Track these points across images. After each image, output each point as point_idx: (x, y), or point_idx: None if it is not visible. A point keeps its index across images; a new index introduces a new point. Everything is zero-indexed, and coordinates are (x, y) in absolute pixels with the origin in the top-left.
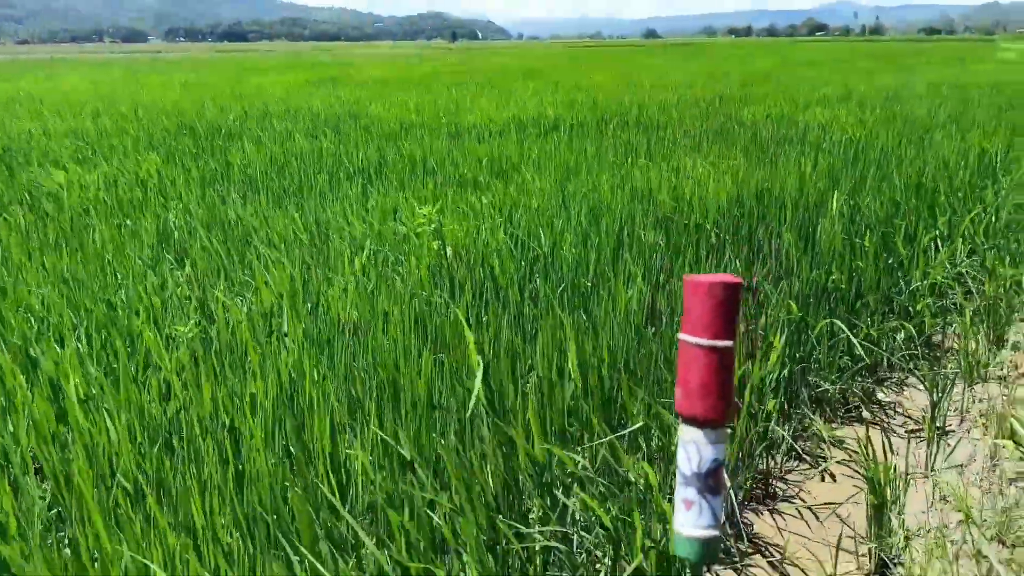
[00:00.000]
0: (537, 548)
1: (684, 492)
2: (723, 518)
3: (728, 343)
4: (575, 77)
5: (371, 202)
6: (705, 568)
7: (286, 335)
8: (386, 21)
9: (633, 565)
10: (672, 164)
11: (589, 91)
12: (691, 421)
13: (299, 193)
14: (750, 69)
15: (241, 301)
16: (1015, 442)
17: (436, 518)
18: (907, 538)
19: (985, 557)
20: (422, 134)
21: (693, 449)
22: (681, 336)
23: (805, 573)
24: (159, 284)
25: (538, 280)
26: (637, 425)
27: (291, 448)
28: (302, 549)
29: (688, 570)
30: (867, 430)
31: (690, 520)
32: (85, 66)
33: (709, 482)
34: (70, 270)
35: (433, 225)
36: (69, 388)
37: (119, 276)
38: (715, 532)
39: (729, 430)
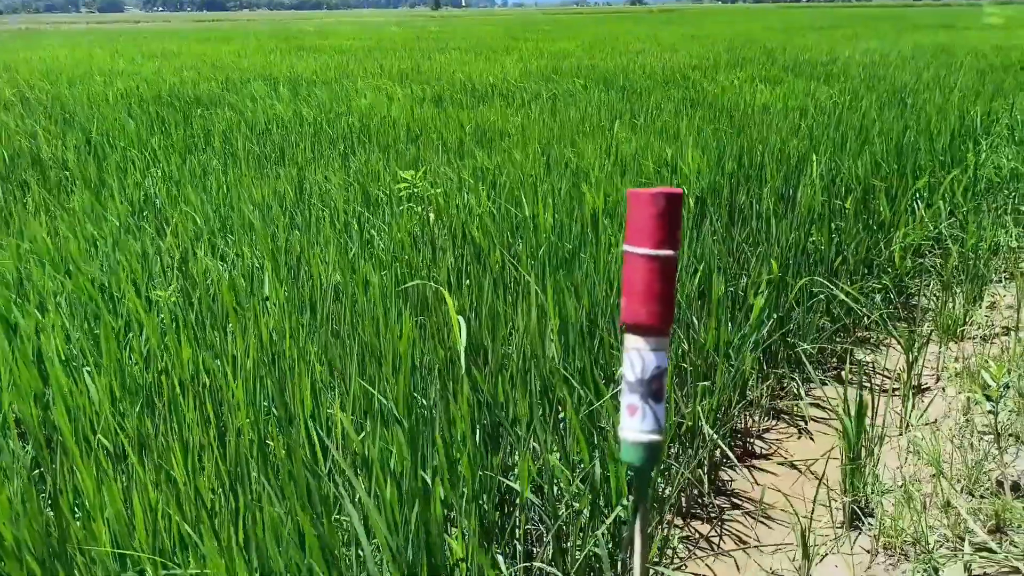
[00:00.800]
0: (519, 502)
1: (628, 399)
2: (665, 424)
3: (670, 252)
4: (558, 44)
5: (353, 168)
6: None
7: (267, 299)
8: None
9: (612, 516)
10: (656, 128)
11: (573, 57)
12: (635, 329)
13: (280, 160)
14: (736, 32)
15: (223, 265)
16: (986, 396)
17: (425, 475)
18: (881, 492)
19: (954, 508)
20: (406, 103)
21: (636, 356)
22: (625, 247)
23: (780, 525)
24: (140, 249)
25: (520, 244)
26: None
27: (273, 409)
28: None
29: (633, 476)
30: (845, 389)
31: (634, 425)
32: (60, 36)
33: (652, 387)
34: (50, 234)
35: (416, 190)
36: (48, 345)
37: (99, 243)
38: (658, 437)
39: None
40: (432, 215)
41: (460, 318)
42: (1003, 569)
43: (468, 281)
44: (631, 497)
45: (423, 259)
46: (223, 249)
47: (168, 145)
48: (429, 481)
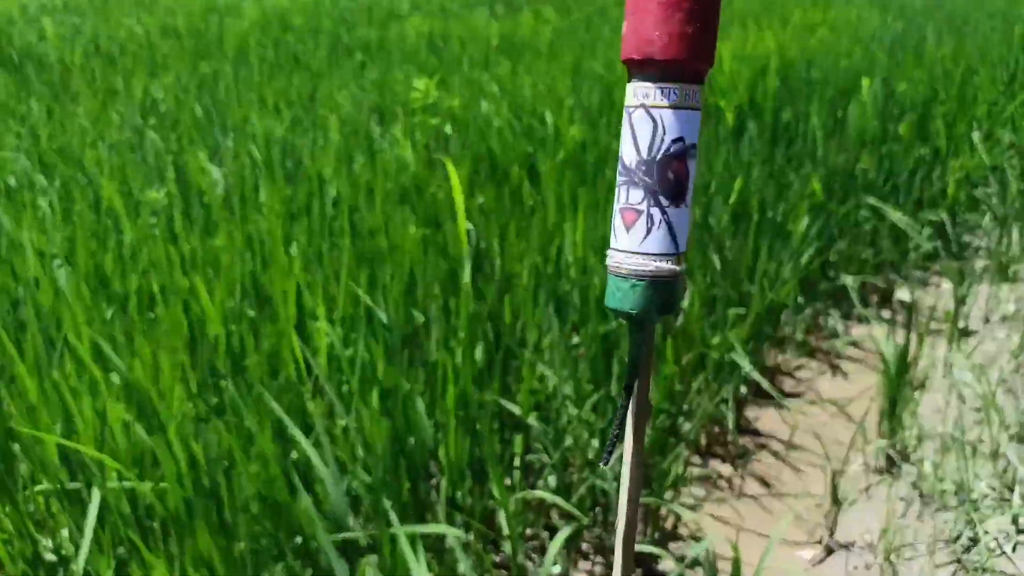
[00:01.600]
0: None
1: (625, 195)
2: (686, 245)
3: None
4: None
5: (368, 76)
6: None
7: (263, 204)
8: None
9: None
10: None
11: None
12: (645, 67)
13: (293, 66)
14: None
15: (218, 166)
16: None
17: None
18: (921, 436)
19: (1003, 455)
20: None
21: (643, 118)
22: None
23: (810, 468)
24: (136, 143)
25: (538, 157)
26: None
27: (255, 317)
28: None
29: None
30: (887, 328)
31: (632, 243)
32: None
33: (666, 175)
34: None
35: (431, 100)
36: (22, 236)
37: (98, 144)
38: (673, 266)
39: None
40: (448, 128)
41: (469, 224)
42: None
43: (482, 199)
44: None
45: (435, 174)
46: (221, 153)
47: (180, 51)
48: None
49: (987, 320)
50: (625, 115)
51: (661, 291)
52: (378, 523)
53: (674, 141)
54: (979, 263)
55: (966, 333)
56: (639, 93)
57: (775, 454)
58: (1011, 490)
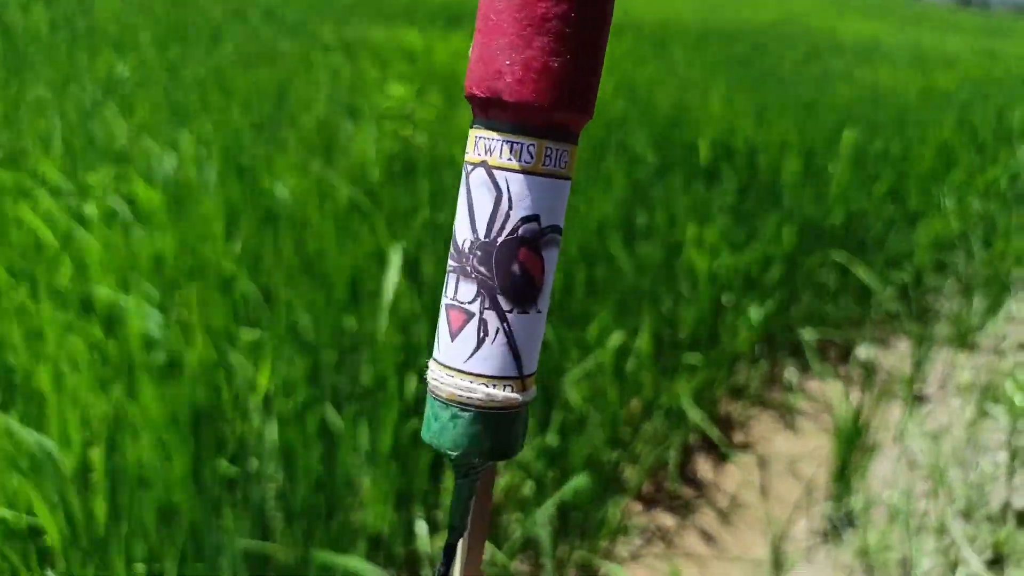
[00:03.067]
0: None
1: (453, 288)
2: (535, 366)
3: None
4: None
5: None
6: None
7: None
8: None
9: (557, 495)
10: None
11: None
12: (490, 109)
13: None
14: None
15: (169, 155)
16: (996, 412)
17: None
18: (867, 504)
19: (948, 530)
20: None
21: (483, 181)
22: None
23: (753, 527)
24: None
25: None
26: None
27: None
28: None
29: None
30: (843, 385)
31: (457, 356)
32: None
33: (511, 268)
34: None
35: (408, 111)
36: None
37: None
38: (512, 394)
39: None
40: (418, 135)
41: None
42: None
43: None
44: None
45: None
46: (176, 139)
47: (154, 29)
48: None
49: (944, 385)
50: (463, 175)
51: (493, 428)
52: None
53: (524, 220)
54: (939, 328)
55: (921, 399)
56: (481, 145)
57: (719, 511)
58: (953, 569)
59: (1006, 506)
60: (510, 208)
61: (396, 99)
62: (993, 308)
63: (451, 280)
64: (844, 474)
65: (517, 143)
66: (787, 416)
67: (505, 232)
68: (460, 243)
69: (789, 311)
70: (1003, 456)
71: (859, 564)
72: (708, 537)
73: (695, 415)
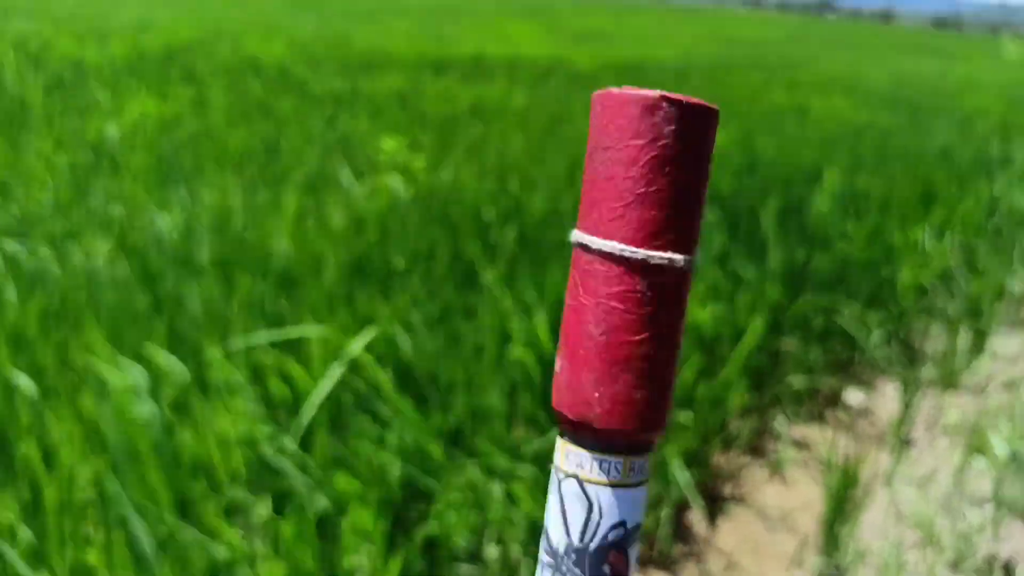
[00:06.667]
0: None
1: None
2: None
3: (680, 256)
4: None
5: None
6: None
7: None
8: None
9: None
10: None
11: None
12: (580, 430)
13: (259, 113)
14: (758, 36)
15: (163, 217)
16: (983, 460)
17: None
18: (860, 554)
19: None
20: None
21: (575, 492)
22: (577, 236)
23: None
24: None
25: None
26: None
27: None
28: None
29: None
30: (831, 432)
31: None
32: None
33: (602, 569)
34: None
35: (397, 161)
36: None
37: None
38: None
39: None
40: (412, 190)
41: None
42: None
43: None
44: None
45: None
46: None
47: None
48: None
49: (932, 429)
50: (553, 478)
51: None
52: None
53: (613, 527)
54: (926, 370)
55: (911, 442)
56: (572, 459)
57: (711, 566)
58: None
59: (993, 558)
60: (600, 517)
61: (388, 152)
62: (977, 346)
63: (546, 574)
64: (834, 528)
65: (606, 461)
66: (778, 465)
67: (596, 539)
68: (555, 544)
69: (777, 357)
70: (989, 507)
71: None
72: None
73: (683, 478)
